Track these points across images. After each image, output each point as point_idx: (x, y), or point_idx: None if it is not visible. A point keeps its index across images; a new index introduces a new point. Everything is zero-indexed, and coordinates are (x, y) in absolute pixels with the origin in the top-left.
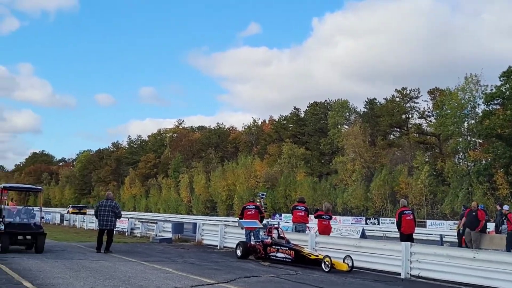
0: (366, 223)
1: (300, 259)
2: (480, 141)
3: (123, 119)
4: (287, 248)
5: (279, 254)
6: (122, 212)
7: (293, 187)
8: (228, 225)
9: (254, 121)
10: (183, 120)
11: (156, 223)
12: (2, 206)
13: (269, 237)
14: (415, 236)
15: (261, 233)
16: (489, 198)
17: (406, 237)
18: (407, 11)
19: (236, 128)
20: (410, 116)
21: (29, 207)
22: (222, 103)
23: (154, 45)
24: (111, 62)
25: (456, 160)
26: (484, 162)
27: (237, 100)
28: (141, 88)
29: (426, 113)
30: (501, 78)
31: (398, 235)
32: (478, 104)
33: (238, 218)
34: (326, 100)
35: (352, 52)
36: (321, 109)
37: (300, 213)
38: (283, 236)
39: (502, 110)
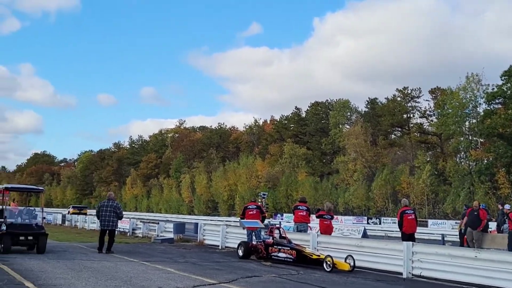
0: (368, 223)
1: (302, 259)
2: (481, 140)
3: (124, 119)
4: (289, 248)
5: (281, 254)
6: (124, 213)
7: (294, 187)
8: (230, 225)
9: (255, 121)
10: (184, 120)
11: (158, 223)
12: (4, 207)
13: (271, 237)
14: (416, 235)
15: (262, 233)
16: (491, 198)
17: (408, 236)
18: (408, 11)
19: (237, 128)
20: (411, 115)
21: (30, 208)
22: (223, 103)
23: (155, 45)
24: (112, 62)
25: (457, 160)
26: (485, 161)
27: (238, 100)
28: (142, 88)
29: (428, 112)
30: (503, 78)
31: (399, 234)
32: (480, 104)
33: (239, 218)
34: (327, 100)
35: (353, 52)
36: (322, 109)
37: (301, 213)
38: (284, 236)
39: (504, 110)
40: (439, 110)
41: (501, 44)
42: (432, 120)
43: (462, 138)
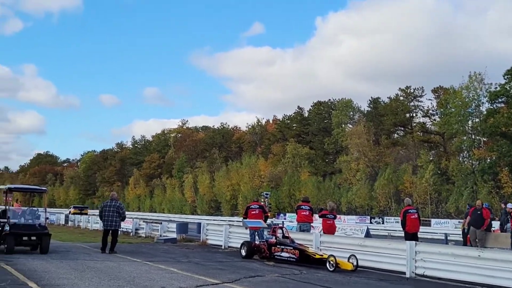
0: (371, 222)
1: (305, 259)
2: (484, 139)
3: (127, 119)
4: (292, 248)
5: (284, 254)
6: (127, 213)
7: (297, 187)
8: (233, 225)
9: (258, 120)
10: (187, 120)
11: (161, 223)
12: (7, 207)
13: (274, 237)
14: (419, 235)
15: (265, 232)
16: (494, 197)
17: (411, 236)
18: (410, 10)
19: (240, 128)
20: (414, 115)
21: (33, 208)
22: (226, 103)
23: (157, 46)
24: (115, 62)
25: (460, 159)
26: (488, 160)
27: (240, 100)
28: (145, 89)
29: (430, 111)
30: (505, 76)
31: (402, 234)
32: (482, 103)
33: (242, 218)
34: (329, 100)
35: (355, 51)
36: (325, 108)
37: (304, 213)
38: (287, 235)
39: (507, 108)
40: (442, 109)
41: (504, 42)
42: (435, 119)
43: (465, 137)
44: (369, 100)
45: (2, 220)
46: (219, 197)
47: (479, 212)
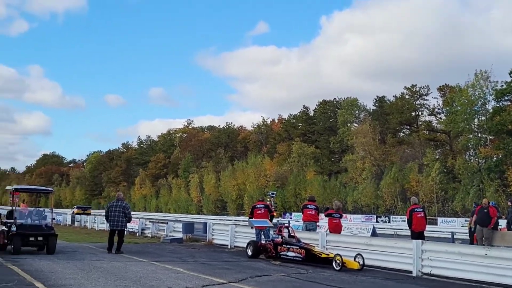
0: (377, 221)
1: (311, 258)
2: (490, 137)
3: (132, 119)
4: (298, 247)
5: (290, 253)
6: (133, 213)
7: (303, 186)
8: (239, 224)
9: (264, 120)
10: (193, 120)
11: (167, 223)
12: (14, 208)
13: (280, 236)
14: (426, 233)
15: (271, 232)
16: (501, 195)
17: (417, 234)
18: (415, 8)
19: (245, 127)
20: (420, 113)
21: (40, 209)
22: (231, 103)
23: (162, 46)
24: (120, 63)
25: (466, 157)
26: (495, 158)
27: (246, 99)
28: (150, 89)
29: (436, 110)
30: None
31: (409, 233)
32: (488, 101)
33: (248, 218)
34: (335, 99)
35: (360, 50)
36: (330, 107)
37: (310, 212)
38: (293, 235)
39: None
40: (447, 108)
41: (510, 40)
42: (440, 118)
43: (471, 136)
44: (375, 98)
45: (9, 220)
46: (225, 197)
47: (485, 211)
